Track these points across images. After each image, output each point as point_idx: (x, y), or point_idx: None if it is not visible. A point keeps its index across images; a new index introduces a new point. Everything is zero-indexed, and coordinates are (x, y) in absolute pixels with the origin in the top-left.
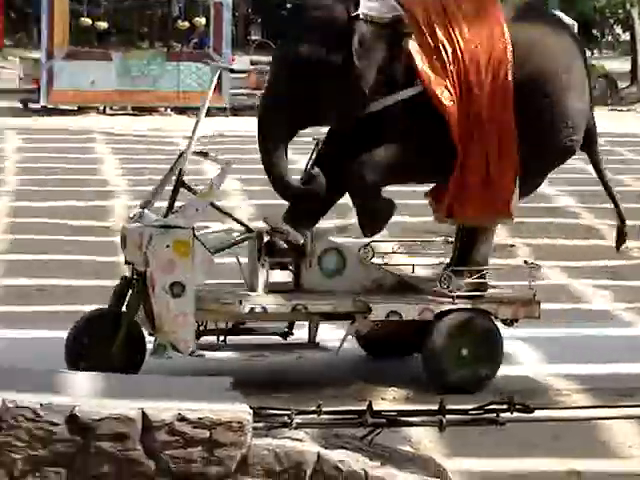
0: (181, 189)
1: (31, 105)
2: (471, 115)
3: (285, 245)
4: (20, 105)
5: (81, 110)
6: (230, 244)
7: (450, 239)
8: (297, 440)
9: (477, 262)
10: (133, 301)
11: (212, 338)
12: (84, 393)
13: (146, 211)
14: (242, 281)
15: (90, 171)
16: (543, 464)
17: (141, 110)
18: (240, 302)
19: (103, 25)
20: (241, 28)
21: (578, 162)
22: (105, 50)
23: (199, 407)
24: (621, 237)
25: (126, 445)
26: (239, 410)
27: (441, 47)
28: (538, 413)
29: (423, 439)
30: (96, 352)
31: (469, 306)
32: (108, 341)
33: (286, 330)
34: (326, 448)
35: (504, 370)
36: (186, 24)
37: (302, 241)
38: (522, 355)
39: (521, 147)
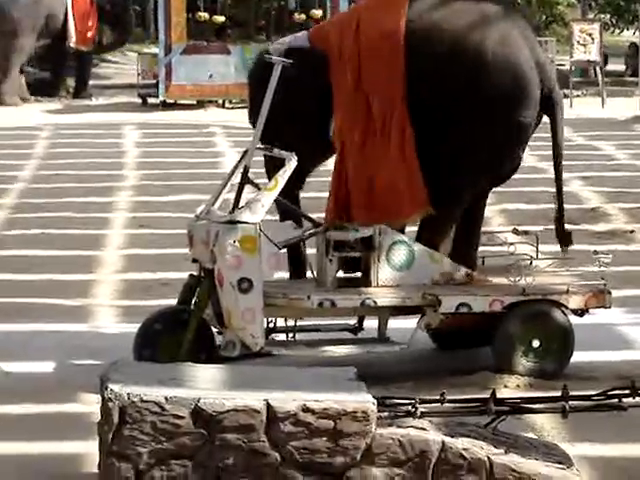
0: (247, 185)
1: (150, 100)
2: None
3: (353, 239)
4: (139, 100)
5: (200, 104)
6: (298, 239)
7: (520, 229)
8: (421, 429)
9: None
10: (201, 298)
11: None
12: (208, 385)
13: (212, 208)
14: (310, 275)
15: (211, 165)
16: None
17: None
18: (308, 297)
19: (220, 19)
20: None
21: None
22: (223, 44)
23: (323, 397)
24: (563, 234)
25: (251, 437)
26: (363, 400)
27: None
28: None
29: (546, 426)
30: (165, 349)
31: (539, 297)
32: (177, 338)
33: (356, 326)
34: (450, 436)
35: (625, 355)
36: (303, 16)
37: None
38: None
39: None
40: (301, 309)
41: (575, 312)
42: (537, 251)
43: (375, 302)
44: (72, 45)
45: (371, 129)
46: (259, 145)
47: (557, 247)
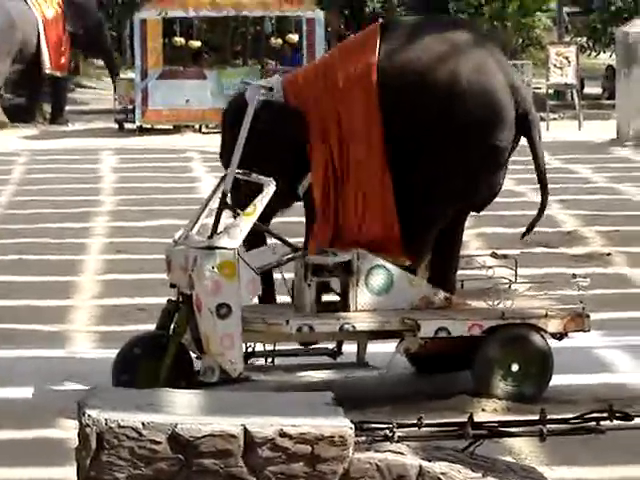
0: (225, 210)
1: (127, 125)
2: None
3: (332, 264)
4: (116, 125)
5: (176, 129)
6: (276, 264)
7: (498, 252)
8: (399, 453)
9: None
10: (180, 324)
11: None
12: (185, 411)
13: (191, 233)
14: (289, 300)
15: (188, 190)
16: None
17: None
18: (287, 322)
19: (196, 44)
20: (334, 44)
21: None
22: (199, 69)
23: (301, 422)
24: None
25: (228, 462)
26: (341, 425)
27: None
28: (638, 420)
29: (524, 449)
30: (144, 374)
31: (518, 321)
32: (156, 363)
33: (335, 350)
34: (428, 461)
35: (603, 378)
36: (279, 41)
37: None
38: (620, 363)
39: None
40: (280, 334)
41: (554, 336)
42: (516, 275)
43: (354, 327)
44: (47, 71)
45: (350, 178)
46: (237, 170)
47: (536, 271)
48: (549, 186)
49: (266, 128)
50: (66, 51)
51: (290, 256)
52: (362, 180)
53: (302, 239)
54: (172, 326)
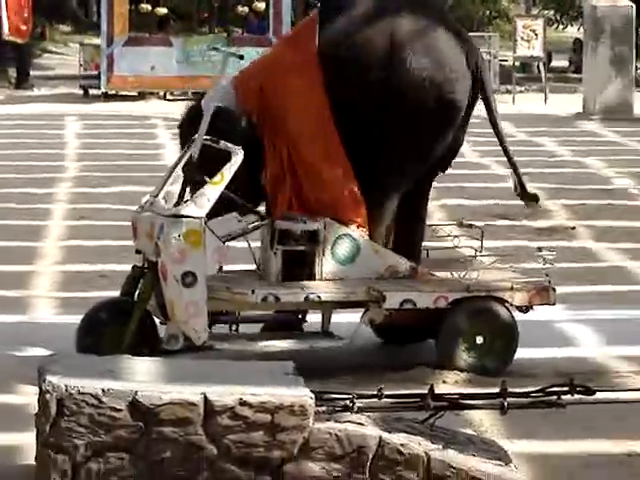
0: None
1: (92, 91)
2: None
3: (298, 232)
4: (81, 91)
5: (141, 96)
6: (242, 232)
7: (465, 222)
8: (359, 424)
9: None
10: (145, 290)
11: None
12: (146, 378)
13: (157, 199)
14: (254, 268)
15: (151, 157)
16: (605, 446)
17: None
18: (252, 291)
19: (163, 11)
20: (300, 13)
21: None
22: (165, 36)
23: (261, 391)
24: (528, 195)
25: (188, 430)
26: (301, 394)
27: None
28: (599, 395)
29: (485, 422)
30: (108, 341)
31: (483, 294)
32: (121, 329)
33: (299, 318)
34: (388, 432)
35: (565, 352)
36: (246, 9)
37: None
38: (583, 337)
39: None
40: (245, 303)
41: (520, 309)
42: (482, 246)
43: (319, 297)
44: (5, 37)
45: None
46: (205, 137)
47: (500, 243)
48: (515, 159)
49: (222, 135)
50: (28, 18)
51: (256, 224)
52: (316, 153)
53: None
54: (137, 292)
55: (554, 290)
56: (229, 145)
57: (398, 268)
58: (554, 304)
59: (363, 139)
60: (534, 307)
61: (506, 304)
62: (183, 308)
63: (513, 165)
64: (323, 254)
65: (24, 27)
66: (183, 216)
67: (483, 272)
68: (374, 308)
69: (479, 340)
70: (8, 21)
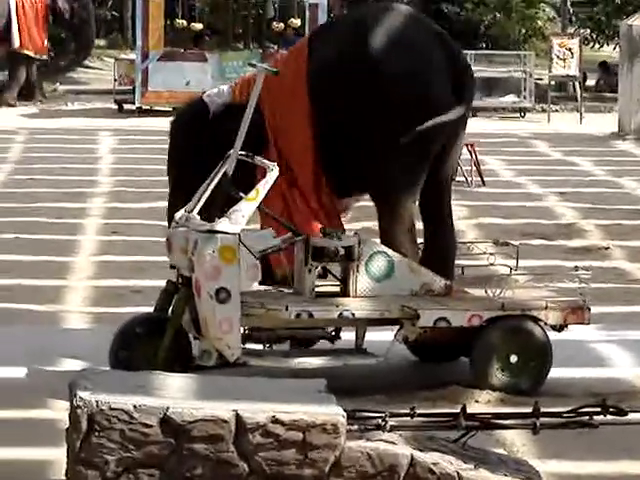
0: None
1: (126, 106)
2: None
3: (333, 249)
4: (115, 106)
5: (176, 111)
6: (276, 248)
7: (501, 240)
8: (390, 442)
9: None
10: (179, 306)
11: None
12: (177, 395)
13: (192, 214)
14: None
15: None
16: (636, 467)
17: None
18: (286, 308)
19: (198, 26)
20: None
21: None
22: (200, 51)
23: (293, 409)
24: None
25: (219, 447)
26: (333, 412)
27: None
28: (632, 416)
29: (516, 442)
30: (141, 356)
31: (518, 312)
32: (155, 344)
33: (333, 334)
34: (420, 451)
35: (598, 372)
36: (281, 25)
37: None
38: (616, 357)
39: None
40: (278, 320)
41: (554, 328)
42: (517, 264)
43: (353, 314)
44: (18, 51)
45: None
46: (240, 152)
47: (534, 262)
48: (549, 178)
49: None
50: (43, 35)
51: (291, 240)
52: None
53: None
54: (171, 308)
55: (589, 309)
56: (264, 161)
57: (433, 286)
58: (589, 323)
59: (361, 149)
60: (568, 326)
61: (540, 323)
62: (217, 324)
63: None
64: (357, 271)
65: (39, 41)
66: (218, 232)
67: (518, 291)
68: (408, 326)
69: (513, 359)
70: (19, 35)
